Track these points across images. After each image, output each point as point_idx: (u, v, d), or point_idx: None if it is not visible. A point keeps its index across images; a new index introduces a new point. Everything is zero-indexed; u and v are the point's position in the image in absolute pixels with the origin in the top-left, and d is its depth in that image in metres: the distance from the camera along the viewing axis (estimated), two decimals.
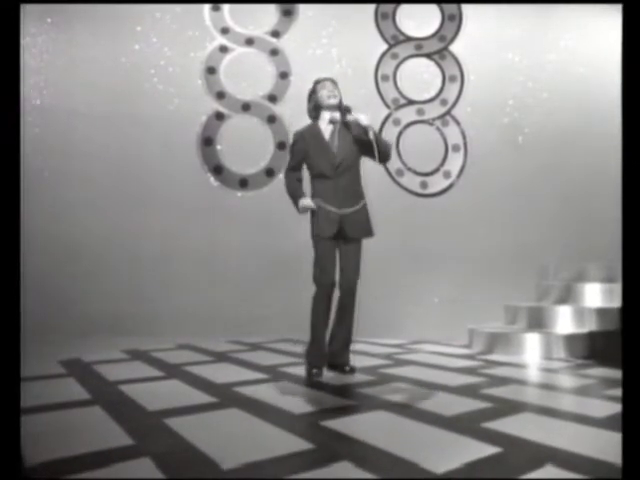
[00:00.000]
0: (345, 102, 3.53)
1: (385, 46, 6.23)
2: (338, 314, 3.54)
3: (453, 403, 2.77)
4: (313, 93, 3.57)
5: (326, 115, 3.53)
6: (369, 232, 3.53)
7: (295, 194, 3.53)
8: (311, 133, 3.53)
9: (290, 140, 3.71)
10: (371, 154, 3.46)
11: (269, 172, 5.87)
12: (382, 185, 5.76)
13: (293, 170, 3.59)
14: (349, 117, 3.46)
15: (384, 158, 3.51)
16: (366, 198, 3.54)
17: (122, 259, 5.57)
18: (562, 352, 4.33)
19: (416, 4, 6.30)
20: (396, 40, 6.24)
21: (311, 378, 3.37)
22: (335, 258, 3.47)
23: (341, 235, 3.43)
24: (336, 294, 3.50)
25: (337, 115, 3.51)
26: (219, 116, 5.92)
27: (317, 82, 3.58)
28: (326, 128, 3.52)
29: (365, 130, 3.38)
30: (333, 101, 3.50)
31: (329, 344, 3.59)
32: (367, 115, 3.43)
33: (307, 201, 3.45)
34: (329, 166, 3.43)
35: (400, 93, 6.17)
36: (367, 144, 3.42)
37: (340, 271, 3.50)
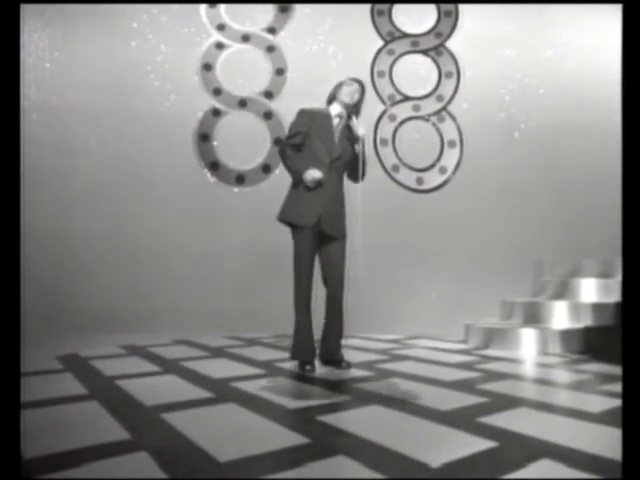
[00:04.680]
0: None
1: (381, 42, 6.23)
2: (329, 311, 3.55)
3: (449, 398, 2.78)
4: (339, 87, 3.60)
5: (337, 108, 3.58)
6: (344, 231, 3.60)
7: (299, 166, 3.43)
8: (322, 114, 3.55)
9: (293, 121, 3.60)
10: (350, 167, 3.59)
11: (265, 168, 5.87)
12: (378, 181, 5.77)
13: (294, 148, 3.50)
14: (350, 121, 3.52)
15: (356, 174, 3.59)
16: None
17: (119, 255, 5.57)
18: (558, 347, 4.35)
19: (412, 3, 6.30)
20: (392, 36, 6.25)
21: (305, 374, 3.37)
22: (315, 254, 3.50)
23: (322, 232, 3.45)
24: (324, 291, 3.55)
25: (344, 113, 3.57)
26: (215, 112, 5.91)
27: (349, 78, 3.62)
28: (334, 118, 3.57)
29: (356, 139, 3.47)
30: (347, 100, 3.55)
31: (323, 341, 3.60)
32: (365, 131, 3.53)
33: (316, 172, 3.36)
34: (327, 154, 3.46)
35: (396, 89, 6.18)
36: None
37: (328, 269, 3.52)
